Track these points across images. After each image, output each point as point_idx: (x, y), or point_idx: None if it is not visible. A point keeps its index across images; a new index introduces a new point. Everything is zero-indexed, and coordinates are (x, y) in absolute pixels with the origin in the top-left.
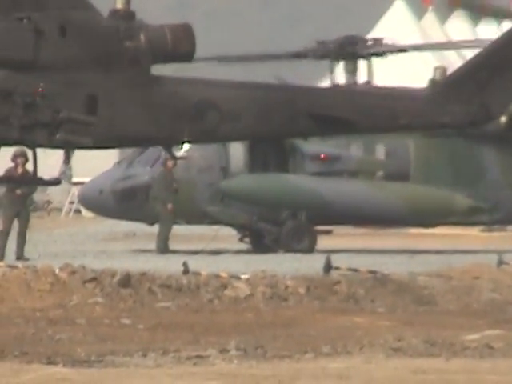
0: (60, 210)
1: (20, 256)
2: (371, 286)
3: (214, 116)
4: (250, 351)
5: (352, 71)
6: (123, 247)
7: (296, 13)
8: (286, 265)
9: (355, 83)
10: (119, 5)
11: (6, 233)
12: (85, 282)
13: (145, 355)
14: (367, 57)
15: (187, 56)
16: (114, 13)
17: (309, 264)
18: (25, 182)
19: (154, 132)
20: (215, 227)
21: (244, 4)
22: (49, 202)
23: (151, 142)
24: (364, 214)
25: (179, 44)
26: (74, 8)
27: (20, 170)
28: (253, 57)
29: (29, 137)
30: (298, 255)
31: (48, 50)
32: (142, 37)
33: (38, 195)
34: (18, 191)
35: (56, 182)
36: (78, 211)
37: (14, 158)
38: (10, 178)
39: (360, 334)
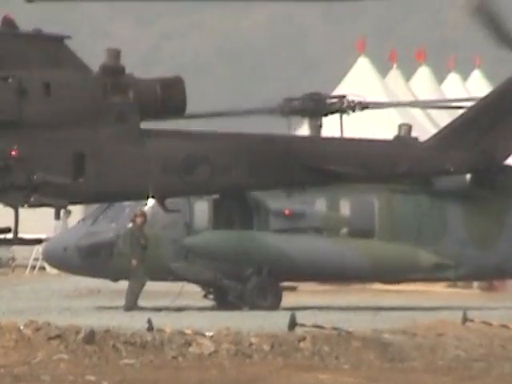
0: (24, 266)
1: None
2: (336, 342)
3: (205, 169)
4: None
5: (317, 128)
6: (88, 304)
7: (262, 69)
8: (250, 322)
9: None
10: (108, 60)
11: None
12: (49, 338)
13: None
14: (332, 114)
15: (178, 111)
16: (104, 68)
17: (273, 321)
18: (5, 243)
19: (145, 186)
20: (180, 284)
21: (211, 59)
22: (13, 259)
23: (143, 195)
24: (329, 271)
25: (169, 99)
26: (61, 65)
27: None
28: (216, 113)
29: (3, 199)
30: (263, 312)
31: (33, 109)
32: (131, 92)
33: (2, 251)
34: None
35: (38, 241)
36: (42, 268)
37: None
38: None
39: None
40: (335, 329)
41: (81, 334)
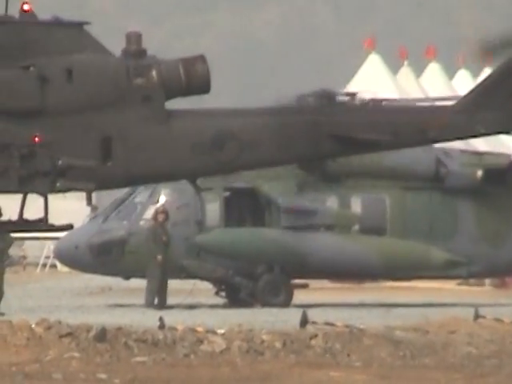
0: (36, 264)
1: None
2: (347, 340)
3: (234, 146)
4: None
5: None
6: (99, 302)
7: (273, 67)
8: (262, 319)
9: None
10: (130, 43)
11: None
12: (61, 336)
13: None
14: None
15: (202, 88)
16: (125, 51)
17: (285, 318)
18: (37, 231)
19: (174, 167)
20: (191, 281)
21: (222, 58)
22: (24, 257)
23: (173, 177)
24: (340, 268)
25: (193, 77)
26: (82, 51)
27: None
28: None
29: (29, 186)
30: (274, 309)
31: (56, 96)
32: (154, 73)
33: (14, 250)
34: None
35: (68, 227)
36: (53, 266)
37: None
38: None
39: None
40: (347, 326)
41: (92, 331)
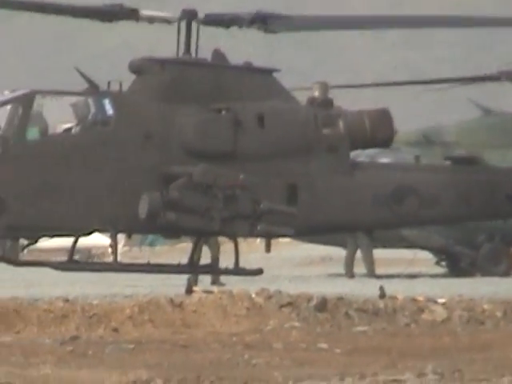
0: None
1: (215, 281)
2: None
3: (414, 201)
4: (448, 375)
5: None
6: (319, 271)
7: (490, 36)
8: (483, 288)
9: None
10: (317, 92)
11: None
12: (281, 306)
13: (342, 379)
14: None
15: (386, 142)
16: (312, 100)
17: (506, 287)
18: (226, 273)
19: (354, 218)
20: (412, 251)
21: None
22: None
23: (352, 228)
24: None
25: (378, 130)
26: (272, 97)
27: None
28: (448, 80)
29: (230, 228)
30: (496, 278)
31: (247, 141)
32: (341, 124)
33: None
34: None
35: (258, 272)
36: None
37: None
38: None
39: None
40: None
41: (313, 301)
